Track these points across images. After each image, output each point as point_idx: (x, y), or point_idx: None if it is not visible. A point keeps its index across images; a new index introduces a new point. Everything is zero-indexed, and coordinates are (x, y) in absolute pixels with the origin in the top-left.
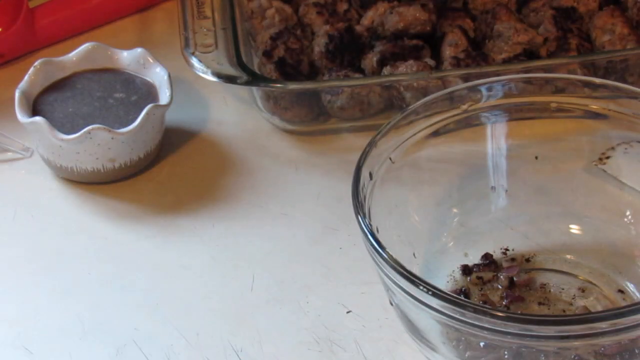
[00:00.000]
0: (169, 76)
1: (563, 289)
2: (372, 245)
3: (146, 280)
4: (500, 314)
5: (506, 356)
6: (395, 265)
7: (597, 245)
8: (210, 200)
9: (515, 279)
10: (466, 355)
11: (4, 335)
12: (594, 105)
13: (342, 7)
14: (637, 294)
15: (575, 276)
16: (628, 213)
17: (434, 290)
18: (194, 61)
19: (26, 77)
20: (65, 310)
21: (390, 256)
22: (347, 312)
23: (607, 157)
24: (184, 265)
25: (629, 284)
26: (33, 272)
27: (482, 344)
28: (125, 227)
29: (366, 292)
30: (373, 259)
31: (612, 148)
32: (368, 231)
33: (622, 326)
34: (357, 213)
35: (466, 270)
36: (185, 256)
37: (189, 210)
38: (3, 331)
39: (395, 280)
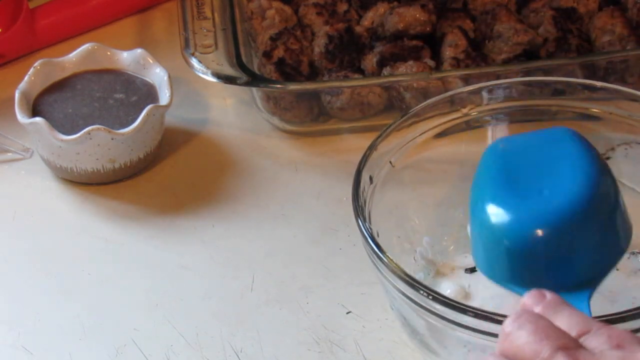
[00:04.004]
0: (169, 77)
1: None
2: (372, 249)
3: (146, 280)
4: (500, 319)
5: None
6: (396, 269)
7: None
8: (210, 201)
9: None
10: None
11: (4, 335)
12: (595, 109)
13: (342, 7)
14: None
15: None
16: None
17: (434, 295)
18: (194, 62)
19: (26, 78)
20: (65, 310)
21: (391, 260)
22: (347, 313)
23: (607, 158)
24: (183, 265)
25: None
26: (33, 273)
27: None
28: (125, 227)
29: (366, 292)
30: (373, 262)
31: (612, 149)
32: (368, 235)
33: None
34: (357, 217)
35: (468, 272)
36: (185, 256)
37: (188, 210)
38: (3, 331)
39: (396, 284)
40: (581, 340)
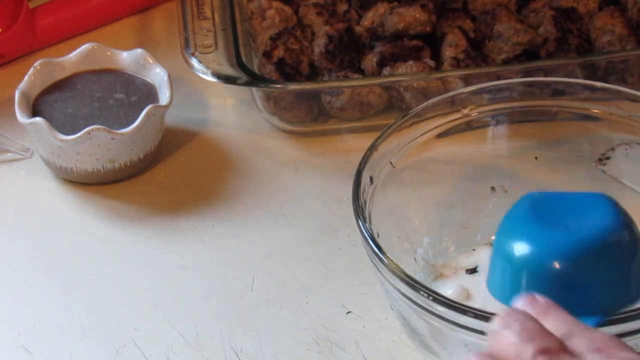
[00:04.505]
0: (169, 77)
1: None
2: (372, 250)
3: (146, 280)
4: None
5: None
6: (396, 270)
7: None
8: (210, 201)
9: None
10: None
11: (4, 335)
12: (595, 109)
13: (342, 7)
14: None
15: None
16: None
17: (435, 296)
18: (194, 62)
19: (26, 78)
20: (65, 310)
21: (391, 261)
22: (347, 313)
23: (607, 158)
24: (183, 265)
25: None
26: (33, 273)
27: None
28: (125, 227)
29: (366, 292)
30: (373, 263)
31: (612, 149)
32: (368, 236)
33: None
34: (357, 217)
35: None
36: (185, 256)
37: (188, 210)
38: (3, 332)
39: (396, 285)
40: (566, 342)
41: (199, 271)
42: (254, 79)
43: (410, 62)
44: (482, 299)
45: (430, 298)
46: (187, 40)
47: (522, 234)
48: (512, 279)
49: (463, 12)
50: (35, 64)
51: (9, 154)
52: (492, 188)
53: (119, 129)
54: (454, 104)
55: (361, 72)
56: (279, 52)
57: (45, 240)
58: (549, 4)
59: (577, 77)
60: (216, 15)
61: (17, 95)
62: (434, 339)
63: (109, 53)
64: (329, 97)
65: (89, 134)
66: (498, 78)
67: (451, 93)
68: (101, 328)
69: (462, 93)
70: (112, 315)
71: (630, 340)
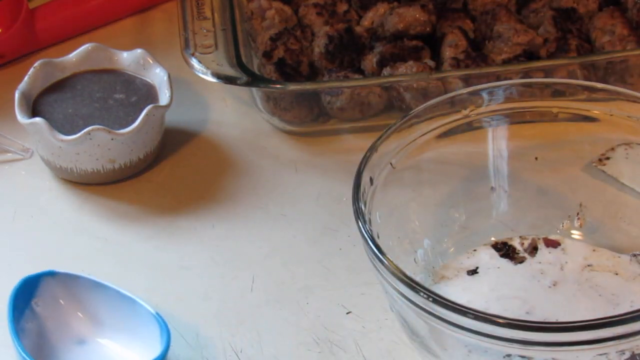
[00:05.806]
0: (169, 77)
1: None
2: (372, 251)
3: (146, 280)
4: (501, 321)
5: None
6: (396, 272)
7: (597, 247)
8: (210, 201)
9: None
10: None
11: (4, 335)
12: (595, 110)
13: (342, 7)
14: None
15: None
16: (628, 214)
17: (435, 297)
18: (194, 62)
19: (26, 78)
20: None
21: (391, 262)
22: (347, 313)
23: (607, 158)
24: (184, 266)
25: None
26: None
27: (485, 350)
28: (125, 227)
29: (366, 293)
30: (374, 265)
31: (612, 149)
32: (369, 237)
33: (613, 335)
34: (357, 219)
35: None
36: (185, 257)
37: (189, 211)
38: (3, 331)
39: (396, 286)
40: None
41: (199, 271)
42: (254, 79)
43: (410, 63)
44: (485, 300)
45: (430, 299)
46: (187, 41)
47: None
48: None
49: (463, 12)
50: (35, 64)
51: (9, 154)
52: (492, 188)
53: (119, 129)
54: (454, 104)
55: (361, 72)
56: (279, 53)
57: (45, 240)
58: (549, 4)
59: (577, 78)
60: (216, 15)
61: (17, 95)
62: (434, 340)
63: (108, 53)
64: (329, 97)
65: (89, 134)
66: (498, 78)
67: (451, 94)
68: None
69: (462, 94)
70: None
71: (630, 342)
